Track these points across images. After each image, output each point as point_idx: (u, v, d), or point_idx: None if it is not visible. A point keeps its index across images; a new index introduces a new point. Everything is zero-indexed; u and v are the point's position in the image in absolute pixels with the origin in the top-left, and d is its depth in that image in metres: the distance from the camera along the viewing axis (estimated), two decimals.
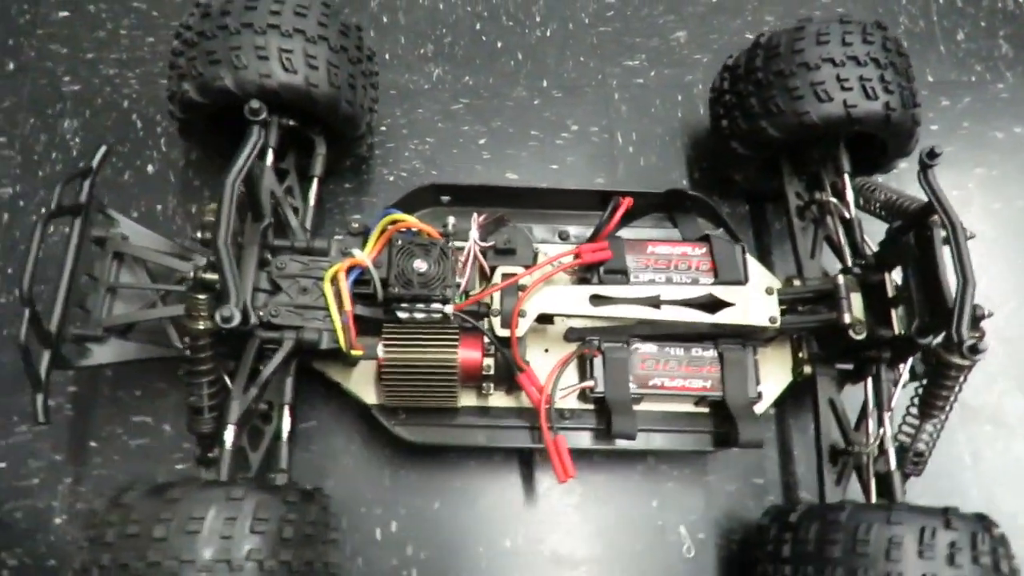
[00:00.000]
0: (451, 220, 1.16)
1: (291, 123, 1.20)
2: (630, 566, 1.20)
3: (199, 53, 1.11)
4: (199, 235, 0.99)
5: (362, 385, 1.16)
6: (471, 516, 1.21)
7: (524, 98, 1.49)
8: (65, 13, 1.50)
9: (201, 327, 0.98)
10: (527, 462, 1.25)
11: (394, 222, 1.11)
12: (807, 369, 1.17)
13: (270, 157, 1.17)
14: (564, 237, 1.26)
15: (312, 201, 1.20)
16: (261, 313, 1.05)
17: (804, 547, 0.98)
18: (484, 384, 1.13)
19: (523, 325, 1.10)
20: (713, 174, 1.45)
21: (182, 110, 1.15)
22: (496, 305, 1.11)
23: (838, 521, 0.96)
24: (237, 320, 0.78)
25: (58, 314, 1.01)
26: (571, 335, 1.17)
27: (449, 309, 1.07)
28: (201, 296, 0.97)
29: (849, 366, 1.17)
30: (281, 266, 1.09)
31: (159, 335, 1.12)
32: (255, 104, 0.92)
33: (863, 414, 1.15)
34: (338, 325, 1.06)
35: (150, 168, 1.39)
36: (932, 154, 0.96)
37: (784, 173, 1.29)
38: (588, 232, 1.25)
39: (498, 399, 1.17)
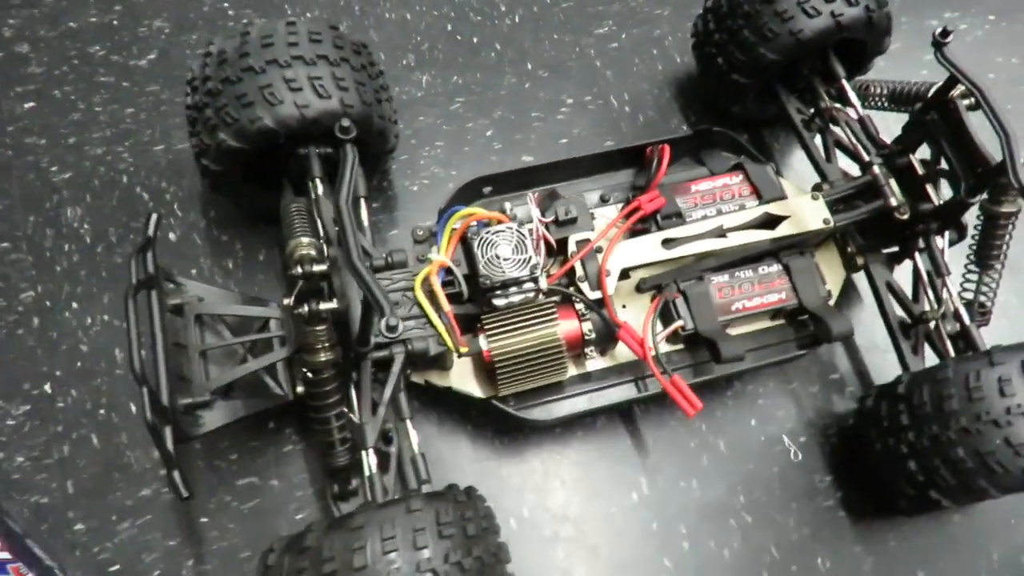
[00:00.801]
0: (508, 205, 1.19)
1: (328, 151, 1.20)
2: (753, 486, 1.26)
3: (228, 99, 1.09)
4: (299, 270, 0.98)
5: (464, 383, 1.18)
6: (595, 482, 1.25)
7: (515, 84, 1.54)
8: (31, 104, 1.44)
9: (323, 359, 0.99)
10: (628, 418, 1.29)
11: (462, 220, 1.13)
12: (859, 260, 1.26)
13: (320, 188, 1.16)
14: (605, 199, 1.31)
15: (367, 221, 1.20)
16: None
17: (922, 410, 1.07)
18: (586, 349, 1.17)
19: (610, 284, 1.14)
20: (707, 114, 1.53)
21: (219, 162, 1.13)
22: (580, 272, 1.15)
23: (947, 378, 1.05)
24: (401, 327, 0.79)
25: (165, 388, 0.98)
26: (643, 285, 1.22)
27: (544, 283, 1.10)
28: (319, 328, 0.97)
29: (894, 248, 1.27)
30: None
31: (257, 387, 1.10)
32: (345, 123, 0.93)
33: (916, 288, 1.25)
34: (441, 328, 1.07)
35: (172, 236, 1.35)
36: (945, 32, 1.06)
37: (780, 94, 1.39)
38: (623, 192, 1.32)
39: (594, 363, 1.21)
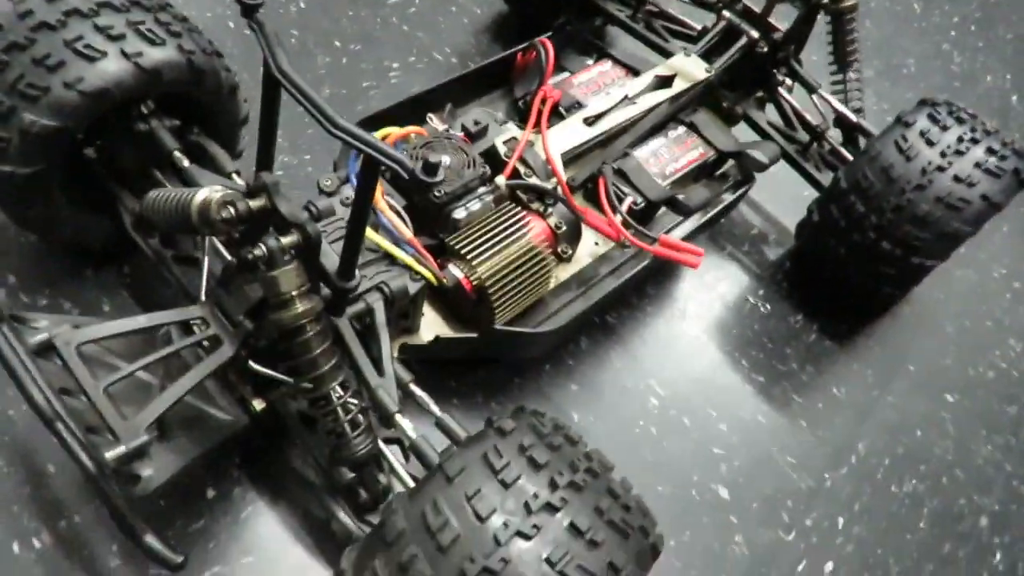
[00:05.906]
0: (412, 135, 1.03)
1: (175, 123, 0.94)
2: (747, 347, 1.21)
3: (26, 69, 0.80)
4: (230, 212, 0.70)
5: (439, 328, 0.96)
6: (606, 401, 1.10)
7: (331, 63, 1.38)
8: None
9: (300, 308, 0.72)
10: (608, 330, 1.17)
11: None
12: (739, 110, 1.30)
13: (186, 162, 0.90)
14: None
15: None
16: None
17: (872, 190, 1.10)
18: (561, 248, 1.03)
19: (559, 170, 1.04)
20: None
21: (27, 158, 0.82)
22: (523, 169, 1.02)
23: (879, 152, 1.11)
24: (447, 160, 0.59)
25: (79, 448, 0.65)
26: (573, 183, 1.11)
27: (502, 180, 0.96)
28: (288, 268, 0.72)
29: (759, 93, 1.33)
30: None
31: (196, 423, 0.79)
32: None
33: (787, 120, 1.32)
34: (411, 260, 0.87)
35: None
36: None
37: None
38: (504, 113, 1.23)
39: (565, 272, 1.07)
